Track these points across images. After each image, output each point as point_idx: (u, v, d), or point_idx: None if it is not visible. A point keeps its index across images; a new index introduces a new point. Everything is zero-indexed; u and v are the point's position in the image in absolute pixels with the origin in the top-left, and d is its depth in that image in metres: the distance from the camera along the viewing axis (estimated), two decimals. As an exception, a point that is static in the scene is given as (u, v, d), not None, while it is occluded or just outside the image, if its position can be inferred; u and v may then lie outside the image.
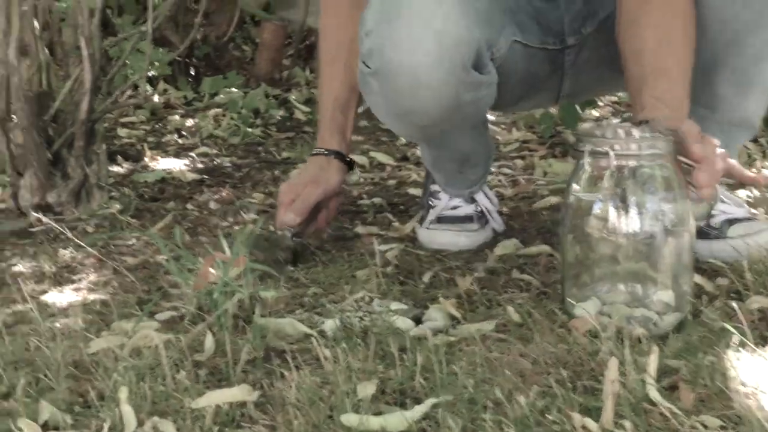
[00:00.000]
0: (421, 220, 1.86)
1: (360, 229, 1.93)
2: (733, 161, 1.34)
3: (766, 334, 1.23)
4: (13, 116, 2.07)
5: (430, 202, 1.87)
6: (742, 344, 1.17)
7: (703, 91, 1.54)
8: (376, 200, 2.19)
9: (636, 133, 1.27)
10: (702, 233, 1.52)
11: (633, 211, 1.23)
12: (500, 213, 1.90)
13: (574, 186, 1.24)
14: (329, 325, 1.33)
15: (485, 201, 1.87)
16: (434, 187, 1.87)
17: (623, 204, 1.23)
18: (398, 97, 1.49)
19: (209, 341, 1.24)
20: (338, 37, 1.76)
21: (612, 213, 1.23)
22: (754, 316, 1.28)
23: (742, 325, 1.19)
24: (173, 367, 1.17)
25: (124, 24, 3.66)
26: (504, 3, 1.61)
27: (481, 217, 1.84)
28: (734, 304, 1.26)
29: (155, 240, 1.54)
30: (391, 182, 2.39)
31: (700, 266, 1.47)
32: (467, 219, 1.82)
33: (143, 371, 1.15)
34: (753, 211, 1.70)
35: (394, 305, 1.41)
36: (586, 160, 1.23)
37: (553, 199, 2.08)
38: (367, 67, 1.50)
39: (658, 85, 1.42)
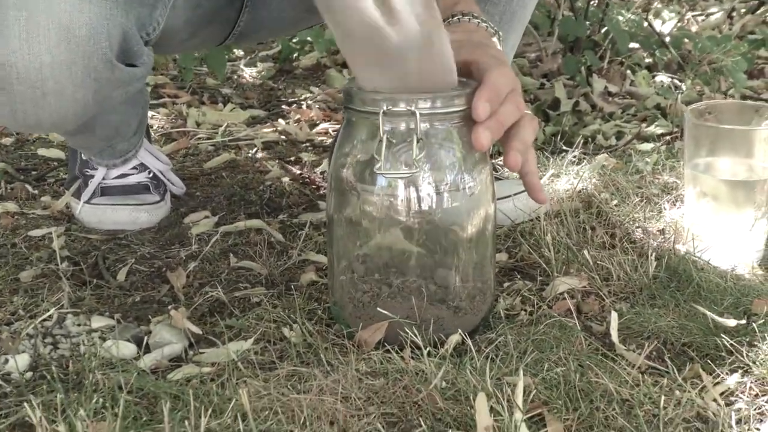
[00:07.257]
0: (78, 194, 1.46)
1: (-7, 208, 1.48)
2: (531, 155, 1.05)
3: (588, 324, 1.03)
4: None
5: (86, 171, 1.47)
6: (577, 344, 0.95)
7: None
8: (-2, 165, 1.72)
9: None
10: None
11: (428, 185, 0.95)
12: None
13: (376, 161, 0.93)
14: (15, 364, 0.93)
15: (153, 161, 1.49)
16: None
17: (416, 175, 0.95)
18: (18, 109, 1.08)
19: None
20: None
21: (401, 189, 0.95)
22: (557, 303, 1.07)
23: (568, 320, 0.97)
24: None
25: None
26: None
27: (159, 185, 1.47)
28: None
29: None
30: (6, 141, 1.92)
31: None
32: (142, 188, 1.45)
33: None
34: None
35: (97, 321, 1.03)
36: (383, 125, 0.92)
37: (226, 156, 1.75)
38: None
39: None
